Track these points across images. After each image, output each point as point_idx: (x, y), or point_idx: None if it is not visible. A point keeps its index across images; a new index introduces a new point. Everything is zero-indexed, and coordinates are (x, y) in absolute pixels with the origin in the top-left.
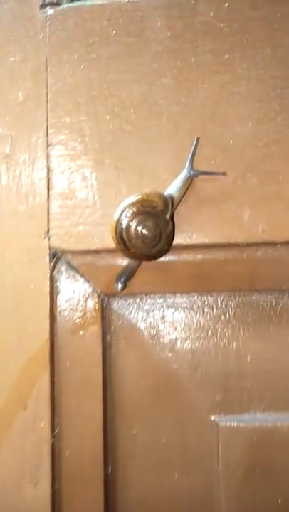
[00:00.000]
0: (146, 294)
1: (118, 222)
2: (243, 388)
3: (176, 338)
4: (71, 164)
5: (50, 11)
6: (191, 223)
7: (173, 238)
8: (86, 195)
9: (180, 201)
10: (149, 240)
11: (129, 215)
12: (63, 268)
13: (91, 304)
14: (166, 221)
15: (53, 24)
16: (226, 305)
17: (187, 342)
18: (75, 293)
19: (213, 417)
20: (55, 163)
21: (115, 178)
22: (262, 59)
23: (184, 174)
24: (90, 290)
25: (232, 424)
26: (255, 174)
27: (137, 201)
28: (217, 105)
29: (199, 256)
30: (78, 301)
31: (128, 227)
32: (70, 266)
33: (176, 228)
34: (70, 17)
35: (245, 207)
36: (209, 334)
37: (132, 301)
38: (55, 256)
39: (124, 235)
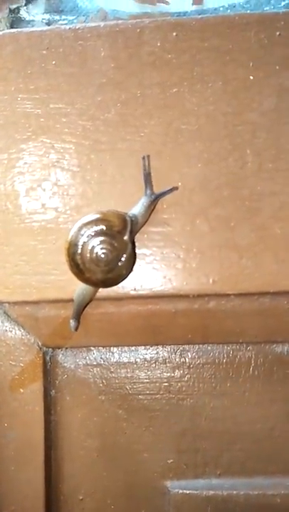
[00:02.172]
0: (93, 347)
1: (71, 243)
2: (198, 450)
3: (125, 394)
4: (7, 205)
5: None
6: (137, 272)
7: (134, 262)
8: (22, 241)
9: (144, 224)
10: (104, 263)
11: (83, 234)
12: (0, 320)
13: (32, 357)
14: (124, 242)
15: None
16: (180, 358)
17: (138, 398)
18: (14, 346)
19: (165, 483)
20: None
21: (55, 222)
22: (212, 94)
23: (144, 200)
24: (30, 342)
25: (185, 492)
26: (205, 220)
27: (92, 220)
28: (164, 144)
29: (147, 307)
30: (17, 355)
31: (82, 248)
32: (8, 317)
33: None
34: (7, 44)
35: (194, 255)
36: (162, 390)
37: (78, 353)
38: None
39: (78, 258)
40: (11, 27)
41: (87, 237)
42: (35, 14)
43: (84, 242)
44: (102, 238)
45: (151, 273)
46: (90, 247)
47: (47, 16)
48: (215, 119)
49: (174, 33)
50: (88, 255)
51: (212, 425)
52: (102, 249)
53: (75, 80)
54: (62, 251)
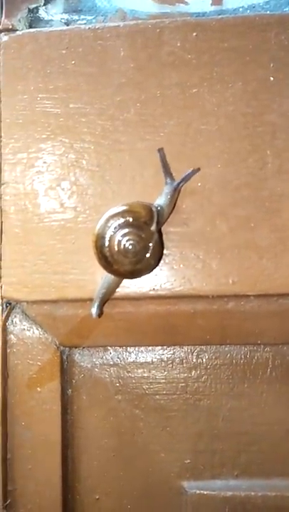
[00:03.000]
0: (110, 346)
1: (98, 236)
2: (215, 451)
3: (142, 394)
4: (26, 204)
5: (4, 37)
6: (155, 273)
7: (162, 252)
8: (41, 240)
9: (170, 214)
10: (132, 255)
11: (110, 226)
12: (18, 318)
13: (49, 356)
14: (151, 233)
15: (7, 52)
16: (197, 359)
17: (155, 398)
18: (32, 345)
19: (182, 483)
20: (9, 203)
21: (74, 221)
22: (232, 94)
23: (167, 188)
24: (48, 342)
25: (202, 492)
26: (224, 220)
27: (119, 212)
28: (184, 144)
29: (166, 307)
30: (35, 354)
31: (110, 240)
32: (26, 316)
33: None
34: (27, 44)
35: (214, 256)
36: (179, 390)
37: (95, 353)
38: (8, 306)
39: (106, 250)
40: (30, 27)
41: (114, 228)
42: (53, 14)
43: (111, 234)
44: (129, 229)
45: (171, 273)
46: (117, 239)
47: (65, 16)
48: (235, 119)
49: (194, 34)
50: (116, 247)
51: (229, 426)
52: (129, 240)
53: (95, 79)
54: (81, 250)
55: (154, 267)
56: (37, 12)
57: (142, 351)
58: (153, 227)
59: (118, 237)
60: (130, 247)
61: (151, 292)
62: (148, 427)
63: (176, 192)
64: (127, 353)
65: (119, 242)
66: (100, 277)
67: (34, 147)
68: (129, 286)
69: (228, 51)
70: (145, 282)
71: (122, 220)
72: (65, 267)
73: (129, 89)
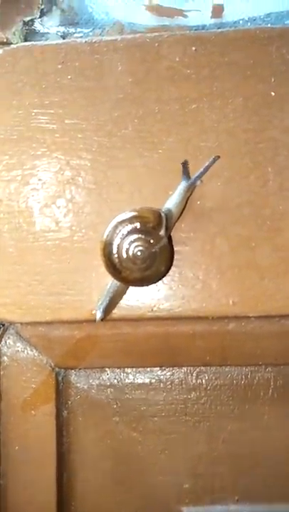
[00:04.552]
0: (108, 367)
1: (106, 243)
2: (215, 474)
3: (140, 416)
4: (20, 222)
5: None
6: (154, 292)
7: (172, 258)
8: (36, 260)
9: (179, 217)
10: (141, 261)
11: (118, 233)
12: (11, 340)
13: (44, 378)
14: (160, 238)
15: (1, 66)
16: (196, 380)
17: (153, 420)
18: (26, 367)
19: (180, 508)
20: (3, 221)
21: (70, 240)
22: (232, 110)
23: (182, 186)
24: (42, 363)
25: None
26: (225, 239)
27: (126, 219)
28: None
29: (165, 329)
30: (29, 375)
31: (118, 247)
32: (20, 337)
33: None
34: (21, 58)
35: (214, 276)
36: (178, 412)
37: (91, 374)
38: (2, 327)
39: (114, 257)
40: (25, 40)
41: (122, 235)
42: (49, 27)
43: (119, 241)
44: (137, 236)
45: (169, 294)
46: (125, 246)
47: (62, 29)
48: (235, 136)
49: (193, 48)
50: (124, 254)
51: (229, 449)
52: (137, 246)
53: (91, 94)
54: (77, 270)
55: (164, 274)
56: (32, 25)
57: (139, 372)
58: (162, 232)
59: (126, 243)
60: (139, 253)
61: (149, 313)
62: (146, 450)
63: (189, 190)
64: (125, 374)
65: (128, 248)
66: (96, 298)
67: (29, 164)
68: (126, 307)
69: (229, 65)
70: (143, 303)
71: (130, 227)
72: (60, 287)
73: (126, 104)
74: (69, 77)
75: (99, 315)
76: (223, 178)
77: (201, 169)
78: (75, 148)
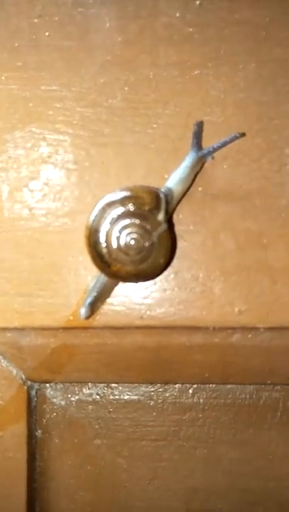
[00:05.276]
0: (90, 382)
1: (92, 230)
2: (212, 511)
3: (126, 439)
4: None
5: None
6: (144, 297)
7: (173, 248)
8: (3, 254)
9: (182, 196)
10: (135, 252)
11: (106, 217)
12: None
13: (14, 393)
14: (158, 223)
15: None
16: (192, 398)
17: (141, 444)
18: None
19: None
20: None
21: (44, 231)
22: (243, 78)
23: (190, 158)
24: (11, 375)
25: None
26: (231, 235)
27: (117, 200)
28: (182, 138)
29: (156, 339)
30: None
31: (107, 235)
32: None
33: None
34: None
35: (216, 278)
36: (170, 435)
37: (70, 388)
38: None
39: (102, 247)
40: None
41: (112, 220)
42: None
43: (108, 227)
44: (130, 220)
45: (162, 298)
46: (115, 233)
47: None
48: (246, 109)
49: (197, 2)
50: (115, 243)
51: (230, 481)
52: (130, 233)
53: (73, 56)
54: (53, 267)
55: (164, 268)
56: None
57: (126, 387)
58: (160, 217)
59: (117, 230)
60: (132, 242)
61: (138, 321)
62: (132, 479)
63: (198, 164)
64: (109, 389)
65: (118, 236)
66: (75, 301)
67: None
68: (111, 313)
69: (240, 25)
70: (131, 308)
71: (121, 209)
72: (32, 287)
73: (115, 68)
74: (47, 34)
75: (83, 312)
76: (230, 161)
77: (219, 143)
78: (53, 120)
